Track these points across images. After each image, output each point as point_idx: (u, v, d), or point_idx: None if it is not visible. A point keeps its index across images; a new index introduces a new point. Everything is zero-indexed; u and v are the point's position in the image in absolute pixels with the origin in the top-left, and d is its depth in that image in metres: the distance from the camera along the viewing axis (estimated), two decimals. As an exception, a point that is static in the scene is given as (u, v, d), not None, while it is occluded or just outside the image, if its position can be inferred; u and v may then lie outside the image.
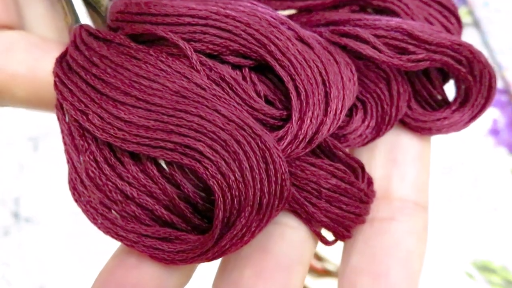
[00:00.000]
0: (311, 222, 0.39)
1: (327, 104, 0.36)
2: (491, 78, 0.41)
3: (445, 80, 0.44)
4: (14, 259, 0.84)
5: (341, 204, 0.38)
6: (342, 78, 0.37)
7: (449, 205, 0.87)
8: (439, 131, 0.43)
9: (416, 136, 0.44)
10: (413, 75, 0.42)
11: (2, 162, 0.90)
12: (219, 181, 0.32)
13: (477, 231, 0.85)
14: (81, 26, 0.38)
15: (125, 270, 0.35)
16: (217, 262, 0.39)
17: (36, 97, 0.39)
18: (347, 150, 0.41)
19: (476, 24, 0.97)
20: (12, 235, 0.85)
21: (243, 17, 0.36)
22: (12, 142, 0.91)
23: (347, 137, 0.40)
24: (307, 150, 0.36)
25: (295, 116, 0.35)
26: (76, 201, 0.35)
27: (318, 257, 0.81)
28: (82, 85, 0.35)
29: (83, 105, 0.35)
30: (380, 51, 0.40)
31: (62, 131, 0.36)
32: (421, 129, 0.43)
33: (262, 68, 0.37)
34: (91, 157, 0.35)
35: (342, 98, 0.37)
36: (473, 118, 0.42)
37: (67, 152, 0.36)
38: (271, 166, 0.33)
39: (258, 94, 0.37)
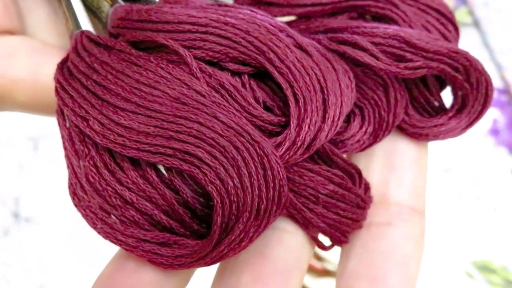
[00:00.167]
0: (308, 228, 0.39)
1: (325, 111, 0.36)
2: (488, 85, 0.41)
3: (442, 87, 0.44)
4: (14, 259, 0.84)
5: (338, 210, 0.38)
6: (340, 85, 0.38)
7: (449, 205, 0.87)
8: (436, 137, 0.43)
9: (413, 142, 0.44)
10: (410, 82, 0.43)
11: (2, 162, 0.90)
12: (218, 187, 0.32)
13: (477, 231, 0.85)
14: (82, 32, 0.39)
15: (124, 274, 0.35)
16: (215, 267, 0.39)
17: (37, 102, 0.39)
18: (344, 155, 0.41)
19: (476, 24, 0.98)
20: (12, 235, 0.86)
21: (243, 25, 0.37)
22: (12, 142, 0.91)
23: (345, 143, 0.41)
24: (305, 156, 0.36)
25: (293, 123, 0.35)
26: (76, 205, 0.35)
27: (318, 257, 0.81)
28: (82, 91, 0.36)
29: (83, 111, 0.35)
30: (377, 58, 0.40)
31: (63, 136, 0.36)
32: (418, 135, 0.43)
33: (261, 75, 0.38)
34: (91, 163, 0.35)
35: (340, 105, 0.37)
36: (470, 124, 0.43)
37: (67, 157, 0.36)
38: (269, 172, 0.33)
39: (257, 101, 0.37)
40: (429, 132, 0.43)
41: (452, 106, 0.43)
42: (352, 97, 0.39)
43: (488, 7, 0.96)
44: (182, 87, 0.35)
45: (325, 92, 0.36)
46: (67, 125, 0.36)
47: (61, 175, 0.87)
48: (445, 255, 0.84)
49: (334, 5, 0.43)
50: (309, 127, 0.35)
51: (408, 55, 0.40)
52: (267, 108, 0.37)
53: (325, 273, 0.81)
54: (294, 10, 0.43)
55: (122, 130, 0.34)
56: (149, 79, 0.35)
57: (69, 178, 0.36)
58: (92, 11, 0.42)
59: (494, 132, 0.91)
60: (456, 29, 0.45)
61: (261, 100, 0.37)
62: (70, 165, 0.36)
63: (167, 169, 0.35)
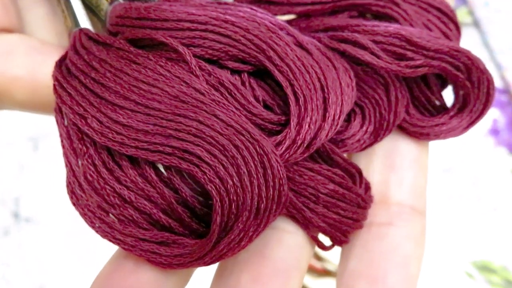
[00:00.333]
0: (309, 227, 0.39)
1: (325, 109, 0.36)
2: (489, 84, 0.41)
3: (443, 86, 0.44)
4: (14, 259, 0.84)
5: (338, 210, 0.38)
6: (340, 83, 0.37)
7: (449, 205, 0.87)
8: (437, 136, 0.43)
9: (413, 141, 0.44)
10: (411, 81, 0.43)
11: (2, 162, 0.90)
12: (217, 186, 0.32)
13: (477, 231, 0.85)
14: (81, 30, 0.39)
15: (123, 274, 0.35)
16: (214, 266, 0.39)
17: (35, 101, 0.39)
18: (345, 155, 0.41)
19: (476, 24, 0.97)
20: (12, 235, 0.85)
21: (242, 23, 0.37)
22: (12, 142, 0.91)
23: (345, 142, 0.40)
24: (305, 155, 0.36)
25: (293, 121, 0.35)
26: (74, 204, 0.35)
27: (318, 257, 0.81)
28: (81, 89, 0.35)
29: (82, 109, 0.35)
30: (378, 57, 0.40)
31: (61, 135, 0.36)
32: (419, 135, 0.43)
33: (261, 73, 0.38)
34: (90, 161, 0.35)
35: (340, 103, 0.37)
36: (471, 123, 0.42)
37: (65, 155, 0.36)
38: (269, 171, 0.33)
39: (257, 99, 0.37)
40: (430, 131, 0.42)
41: (453, 105, 0.43)
42: (353, 95, 0.39)
43: (488, 7, 0.96)
44: (181, 85, 0.35)
45: (326, 90, 0.36)
46: (65, 123, 0.36)
47: (61, 175, 0.86)
48: (445, 255, 0.83)
49: (334, 3, 0.43)
50: (309, 126, 0.35)
51: (409, 54, 0.40)
52: (267, 106, 0.37)
53: (325, 273, 0.81)
54: (294, 8, 0.43)
55: (121, 128, 0.34)
56: (148, 77, 0.35)
57: (67, 177, 0.36)
58: (91, 9, 0.42)
59: (494, 132, 0.91)
60: (458, 27, 0.45)
61: (261, 99, 0.37)
62: (68, 164, 0.35)
63: (166, 167, 0.34)
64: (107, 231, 0.34)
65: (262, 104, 0.37)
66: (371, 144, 0.42)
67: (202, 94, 0.34)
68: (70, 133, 0.36)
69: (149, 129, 0.33)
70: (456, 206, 0.87)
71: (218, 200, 0.32)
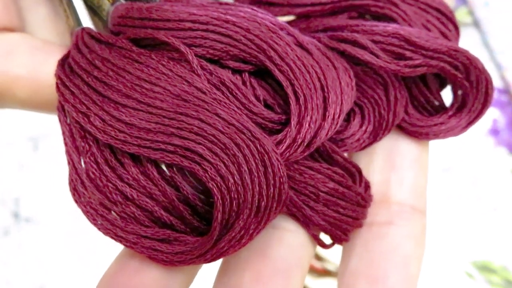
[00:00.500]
0: (309, 226, 0.39)
1: (325, 109, 0.36)
2: (488, 84, 0.41)
3: (442, 86, 0.44)
4: (14, 259, 0.84)
5: (338, 208, 0.39)
6: (340, 83, 0.38)
7: (449, 205, 0.87)
8: (436, 136, 0.43)
9: (414, 141, 0.44)
10: (410, 81, 0.43)
11: (2, 162, 0.90)
12: (218, 184, 0.32)
13: (477, 231, 0.85)
14: (83, 29, 0.39)
15: (128, 274, 0.35)
16: (217, 266, 0.39)
17: (37, 99, 0.39)
18: (345, 154, 0.41)
19: (476, 24, 0.98)
20: (12, 235, 0.85)
21: (243, 23, 0.37)
22: (12, 142, 0.91)
23: (345, 141, 0.41)
24: (305, 154, 0.36)
25: (293, 120, 0.35)
26: (76, 202, 0.35)
27: (318, 257, 0.81)
28: (84, 87, 0.36)
29: (84, 107, 0.35)
30: (377, 56, 0.40)
31: (64, 133, 0.36)
32: (418, 134, 0.43)
33: (262, 73, 0.38)
34: (92, 159, 0.35)
35: (340, 103, 0.37)
36: (470, 123, 0.43)
37: (68, 153, 0.36)
38: (270, 170, 0.33)
39: (258, 99, 0.37)
40: (429, 131, 0.43)
41: (452, 104, 0.43)
42: (353, 95, 0.39)
43: (488, 7, 0.96)
44: (183, 84, 0.35)
45: (326, 90, 0.36)
46: (68, 121, 0.36)
47: (61, 175, 0.87)
48: (445, 255, 0.84)
49: (333, 4, 0.43)
50: (309, 125, 0.35)
51: (408, 53, 0.40)
52: (267, 106, 0.37)
53: (325, 273, 0.81)
54: (293, 9, 0.44)
55: (123, 127, 0.34)
56: (150, 76, 0.35)
57: (69, 174, 0.36)
58: (93, 9, 0.42)
59: (494, 132, 0.91)
60: (457, 28, 0.45)
61: (261, 98, 0.37)
62: (71, 161, 0.36)
63: (167, 165, 0.35)
64: (109, 228, 0.34)
65: (263, 103, 0.37)
66: (370, 144, 0.42)
67: (204, 93, 0.35)
68: (73, 131, 0.36)
69: (151, 127, 0.34)
70: (456, 206, 0.87)
71: (219, 198, 0.32)
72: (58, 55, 0.39)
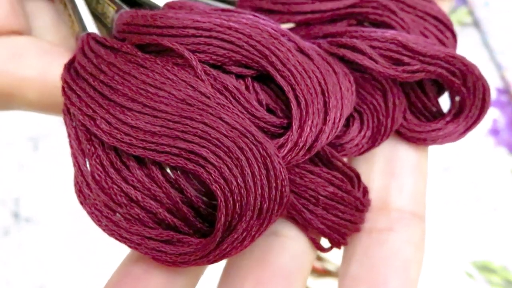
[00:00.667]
0: (308, 229, 0.40)
1: (326, 113, 0.37)
2: (485, 90, 0.42)
3: (439, 93, 0.45)
4: (14, 259, 0.84)
5: (337, 212, 0.39)
6: (340, 88, 0.38)
7: (449, 205, 0.87)
8: (434, 141, 0.44)
9: (413, 147, 0.44)
10: (408, 87, 0.43)
11: (2, 162, 0.90)
12: (222, 186, 0.33)
13: (477, 231, 0.85)
14: (89, 34, 0.40)
15: (132, 280, 0.36)
16: (219, 272, 0.39)
17: (46, 101, 0.40)
18: (345, 159, 0.42)
19: (476, 24, 0.98)
20: (12, 235, 0.86)
21: (246, 29, 0.37)
22: (12, 142, 0.91)
23: (344, 146, 0.41)
24: (306, 158, 0.37)
25: (295, 125, 0.36)
26: (81, 203, 0.36)
27: (318, 257, 0.82)
28: (90, 91, 0.36)
29: (91, 110, 0.36)
30: (376, 62, 0.41)
31: (69, 135, 0.37)
32: (417, 140, 0.44)
33: (264, 78, 0.38)
34: (98, 161, 0.35)
35: (340, 107, 0.38)
36: (467, 129, 0.43)
37: (73, 155, 0.36)
38: (272, 173, 0.34)
39: (260, 103, 0.38)
40: (427, 136, 0.43)
41: (450, 111, 0.44)
42: (353, 99, 0.40)
43: (488, 7, 0.96)
44: (188, 88, 0.35)
45: (326, 94, 0.37)
46: (74, 124, 0.37)
47: (61, 175, 0.87)
48: (445, 255, 0.84)
49: (333, 12, 0.44)
50: (310, 129, 0.36)
51: (406, 59, 0.41)
52: (269, 110, 0.38)
53: (326, 273, 0.81)
54: (293, 17, 0.44)
55: (129, 130, 0.34)
56: (156, 81, 0.36)
57: (75, 177, 0.36)
58: (96, 16, 0.43)
59: (494, 132, 0.91)
60: (454, 35, 0.46)
61: (264, 102, 0.38)
62: (76, 164, 0.36)
63: (172, 168, 0.35)
64: (113, 230, 0.35)
65: (265, 107, 0.38)
66: (369, 149, 0.42)
67: (208, 97, 0.35)
68: (79, 134, 0.37)
69: (156, 130, 0.34)
70: (456, 206, 0.87)
71: (223, 200, 0.33)
72: (65, 57, 0.39)
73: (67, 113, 0.37)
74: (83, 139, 0.36)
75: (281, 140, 0.36)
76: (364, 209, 0.41)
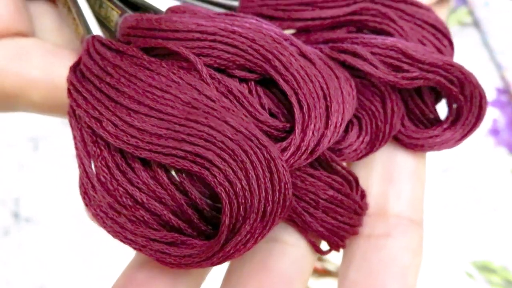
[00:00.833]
0: (307, 231, 0.40)
1: (328, 117, 0.37)
2: (482, 98, 0.42)
3: (437, 100, 0.45)
4: (14, 259, 0.84)
5: (337, 215, 0.40)
6: (342, 92, 0.39)
7: (449, 205, 0.87)
8: (431, 148, 0.44)
9: (411, 154, 0.45)
10: (406, 94, 0.44)
11: (2, 162, 0.90)
12: (227, 189, 0.33)
13: (477, 231, 0.85)
14: (94, 36, 0.40)
15: (136, 286, 0.36)
16: (220, 278, 0.39)
17: (51, 102, 0.40)
18: (344, 164, 0.42)
19: (476, 24, 0.98)
20: (12, 235, 0.85)
21: (249, 34, 0.38)
22: (13, 142, 0.91)
23: (343, 151, 0.42)
24: (308, 161, 0.37)
25: (298, 129, 0.37)
26: (86, 205, 0.36)
27: (318, 257, 0.81)
28: (96, 93, 0.37)
29: (97, 112, 0.36)
30: (376, 67, 0.42)
31: (75, 137, 0.37)
32: (414, 146, 0.44)
33: (267, 82, 0.39)
34: (103, 163, 0.36)
35: (342, 111, 0.38)
36: (464, 136, 0.44)
37: (79, 157, 0.37)
38: (276, 176, 0.34)
39: (263, 107, 0.38)
40: (424, 143, 0.44)
41: (447, 118, 0.44)
42: (354, 104, 0.41)
43: (488, 7, 0.97)
44: (193, 92, 0.36)
45: (328, 99, 0.38)
46: (79, 126, 0.37)
47: (61, 175, 0.87)
48: (445, 255, 0.84)
49: (333, 19, 0.45)
50: (313, 133, 0.36)
51: (405, 66, 0.41)
52: (272, 114, 0.39)
53: (326, 273, 0.81)
54: (294, 23, 0.45)
55: (135, 132, 0.35)
56: (161, 83, 0.36)
57: (80, 178, 0.36)
58: (99, 20, 0.43)
59: (494, 132, 0.91)
60: (451, 44, 0.46)
61: (266, 106, 0.38)
62: (82, 165, 0.36)
63: (177, 170, 0.36)
64: (118, 231, 0.35)
65: (267, 111, 0.38)
66: (367, 154, 0.43)
67: (213, 101, 0.36)
68: (84, 136, 0.37)
69: (162, 133, 0.34)
70: (456, 206, 0.87)
71: (227, 203, 0.33)
72: (70, 58, 0.40)
73: (73, 115, 0.37)
74: (89, 141, 0.36)
75: (284, 143, 0.36)
76: (362, 212, 0.42)
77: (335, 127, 0.38)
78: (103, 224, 0.35)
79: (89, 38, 0.40)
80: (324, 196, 0.39)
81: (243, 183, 0.33)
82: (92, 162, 0.36)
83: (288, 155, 0.36)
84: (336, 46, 0.42)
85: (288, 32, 0.45)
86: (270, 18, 0.44)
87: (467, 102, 0.42)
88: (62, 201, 0.86)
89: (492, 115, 0.92)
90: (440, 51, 0.45)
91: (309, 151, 0.37)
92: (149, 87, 0.36)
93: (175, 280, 0.36)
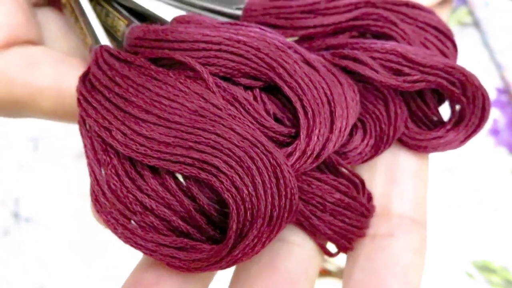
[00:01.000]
0: (315, 235, 0.41)
1: (332, 122, 0.38)
2: (485, 100, 0.43)
3: (440, 102, 0.46)
4: (14, 259, 0.84)
5: (344, 218, 0.40)
6: (345, 98, 0.40)
7: (449, 205, 0.87)
8: (435, 149, 0.44)
9: (413, 155, 0.45)
10: (408, 97, 0.44)
11: (2, 162, 0.90)
12: (234, 195, 0.34)
13: (477, 231, 0.85)
14: (102, 46, 0.41)
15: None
16: (227, 280, 0.40)
17: (61, 110, 0.41)
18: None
19: (476, 24, 0.98)
20: (12, 235, 0.86)
21: (254, 42, 0.39)
22: (13, 142, 0.91)
23: (347, 154, 0.42)
24: (314, 165, 0.38)
25: (303, 134, 0.37)
26: (97, 212, 0.37)
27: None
28: (105, 103, 0.37)
29: (106, 122, 0.37)
30: (377, 72, 0.42)
31: (85, 146, 0.38)
32: (418, 147, 0.44)
33: (271, 88, 0.40)
34: (113, 171, 0.36)
35: (346, 116, 0.39)
36: (468, 137, 0.44)
37: (89, 165, 0.37)
38: (282, 181, 0.35)
39: (268, 113, 0.39)
40: (428, 144, 0.44)
41: (450, 119, 0.45)
42: (357, 109, 0.41)
43: (488, 7, 0.96)
44: (200, 100, 0.37)
45: (332, 104, 0.38)
46: (89, 134, 0.38)
47: (61, 175, 0.87)
48: (445, 255, 0.84)
49: (335, 26, 0.45)
50: (318, 137, 0.37)
51: (406, 70, 0.42)
52: (277, 120, 0.39)
53: (325, 273, 0.81)
54: (297, 32, 0.45)
55: (144, 140, 0.36)
56: (169, 93, 0.37)
57: (91, 186, 0.37)
58: (106, 29, 0.44)
59: (494, 132, 0.91)
60: (455, 45, 0.46)
61: (271, 112, 0.39)
62: (92, 173, 0.37)
63: (185, 177, 0.36)
64: (129, 237, 0.36)
65: (272, 117, 0.39)
66: (372, 157, 0.43)
67: (220, 109, 0.36)
68: (94, 144, 0.38)
69: (170, 141, 0.35)
70: (456, 206, 0.87)
71: (235, 208, 0.34)
72: (79, 67, 0.41)
73: (83, 124, 0.38)
74: (99, 150, 0.37)
75: (289, 149, 0.37)
76: (369, 214, 0.42)
77: (340, 131, 0.38)
78: (114, 230, 0.36)
79: (98, 48, 0.40)
80: (331, 199, 0.40)
81: (249, 189, 0.34)
82: (102, 170, 0.37)
83: (294, 159, 0.37)
84: (337, 52, 0.43)
85: (291, 39, 0.45)
86: (273, 26, 0.45)
87: (470, 104, 0.43)
88: (62, 201, 0.87)
89: (492, 115, 0.91)
90: (443, 53, 0.45)
91: (314, 156, 0.37)
92: (157, 97, 0.37)
93: (183, 281, 0.37)
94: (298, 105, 0.38)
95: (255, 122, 0.37)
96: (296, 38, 0.46)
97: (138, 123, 0.36)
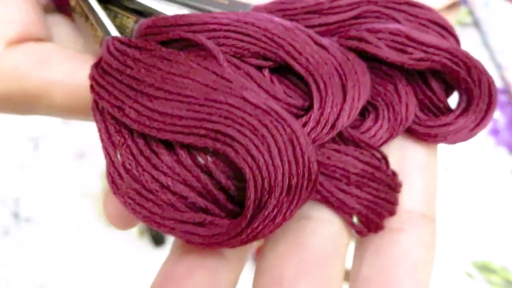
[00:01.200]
0: (344, 210, 0.40)
1: (344, 93, 0.39)
2: (491, 85, 0.43)
3: (447, 93, 0.46)
4: (14, 259, 0.84)
5: (371, 190, 0.40)
6: (356, 72, 0.40)
7: (449, 205, 0.87)
8: (445, 138, 0.44)
9: (423, 147, 0.45)
10: (414, 85, 0.45)
11: (2, 162, 0.90)
12: (250, 163, 0.34)
13: (477, 231, 0.85)
14: (113, 37, 0.41)
15: (176, 282, 0.36)
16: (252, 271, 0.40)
17: (73, 104, 0.41)
18: None
19: (476, 24, 0.98)
20: (12, 235, 0.85)
21: (262, 23, 0.40)
22: (13, 142, 0.91)
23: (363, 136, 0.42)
24: (330, 136, 0.38)
25: (316, 104, 0.38)
26: (114, 193, 0.37)
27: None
28: (117, 84, 0.38)
29: (119, 102, 0.37)
30: (382, 49, 0.42)
31: (99, 130, 0.38)
32: (428, 135, 0.44)
33: (282, 69, 0.40)
34: (128, 151, 0.37)
35: (358, 88, 0.39)
36: (477, 125, 0.44)
37: (104, 148, 0.37)
38: (298, 148, 0.34)
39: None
40: (438, 132, 0.44)
41: (458, 104, 0.44)
42: (368, 84, 0.41)
43: (488, 7, 0.97)
44: (211, 75, 0.37)
45: (344, 78, 0.39)
46: (103, 118, 0.38)
47: (61, 175, 0.87)
48: (445, 255, 0.84)
49: (339, 24, 0.45)
50: (331, 107, 0.38)
51: (410, 49, 0.42)
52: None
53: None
54: None
55: (157, 115, 0.36)
56: (180, 70, 0.37)
57: (107, 168, 0.37)
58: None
59: (494, 132, 0.91)
60: (457, 41, 0.47)
61: (282, 92, 0.39)
62: (108, 156, 0.37)
63: (200, 152, 0.36)
64: (147, 216, 0.36)
65: None
66: (387, 139, 0.43)
67: (231, 81, 0.36)
68: (108, 127, 0.38)
69: (183, 114, 0.35)
70: (456, 206, 0.87)
71: (251, 177, 0.34)
72: (91, 62, 0.41)
73: (96, 109, 0.39)
74: (113, 131, 0.37)
75: (304, 119, 0.37)
76: (396, 188, 0.41)
77: (353, 101, 0.39)
78: (132, 211, 0.36)
79: (109, 38, 0.41)
80: (354, 170, 0.39)
81: (265, 157, 0.34)
82: (117, 151, 0.37)
83: (309, 129, 0.37)
84: (343, 34, 0.43)
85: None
86: None
87: (476, 87, 0.43)
88: (62, 201, 0.86)
89: (492, 115, 0.92)
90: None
91: (329, 125, 0.37)
92: (168, 75, 0.37)
93: (214, 271, 0.37)
94: (310, 80, 0.38)
95: (267, 95, 0.37)
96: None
97: (151, 100, 0.36)
